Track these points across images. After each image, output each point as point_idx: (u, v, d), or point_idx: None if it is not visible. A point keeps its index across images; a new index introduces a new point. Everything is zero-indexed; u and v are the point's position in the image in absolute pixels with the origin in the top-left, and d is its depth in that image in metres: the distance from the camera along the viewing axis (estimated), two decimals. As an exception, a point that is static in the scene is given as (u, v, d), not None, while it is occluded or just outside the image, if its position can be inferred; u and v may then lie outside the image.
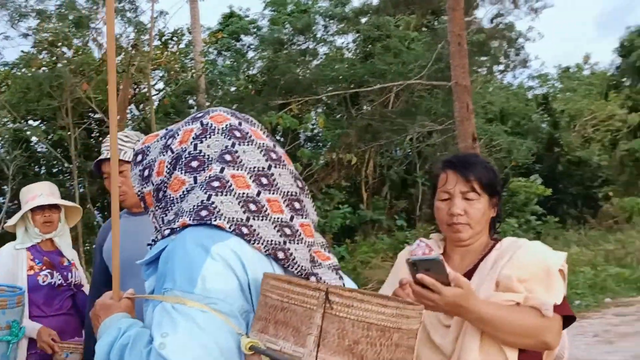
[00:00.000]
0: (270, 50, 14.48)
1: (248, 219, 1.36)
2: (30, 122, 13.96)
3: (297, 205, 1.45)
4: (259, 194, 1.40)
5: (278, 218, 1.40)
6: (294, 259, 1.38)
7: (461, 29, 10.88)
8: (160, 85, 15.13)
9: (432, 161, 16.36)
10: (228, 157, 1.42)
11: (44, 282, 3.37)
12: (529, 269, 1.69)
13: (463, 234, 1.78)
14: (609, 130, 20.36)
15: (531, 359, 1.72)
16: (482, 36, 14.07)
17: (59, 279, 3.42)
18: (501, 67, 17.48)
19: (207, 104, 14.28)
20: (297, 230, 1.42)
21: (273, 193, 1.42)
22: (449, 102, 12.21)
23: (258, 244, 1.35)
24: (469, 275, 1.75)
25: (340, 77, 15.08)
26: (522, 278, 1.68)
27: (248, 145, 1.44)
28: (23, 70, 13.58)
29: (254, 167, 1.42)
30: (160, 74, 15.11)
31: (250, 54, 15.81)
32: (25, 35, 13.06)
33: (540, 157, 18.87)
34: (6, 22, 12.65)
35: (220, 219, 1.34)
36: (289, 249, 1.38)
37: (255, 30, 15.92)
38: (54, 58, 13.39)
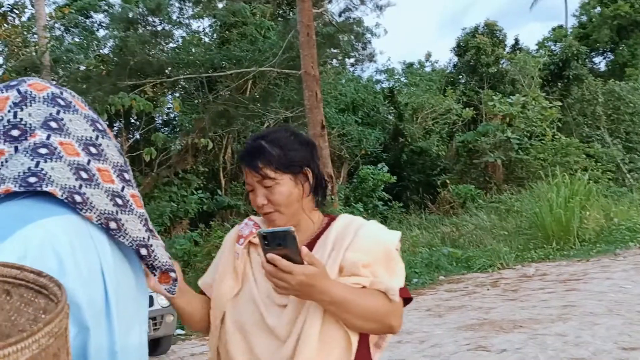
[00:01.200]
0: (121, 30, 13.97)
1: (81, 186, 1.29)
2: None
3: (126, 175, 1.39)
4: (89, 162, 1.33)
5: (110, 187, 1.34)
6: (125, 230, 1.32)
7: (310, 20, 11.25)
8: (0, 60, 14.04)
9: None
10: (54, 125, 1.32)
11: None
12: (372, 253, 1.69)
13: (277, 221, 1.69)
14: (446, 123, 22.04)
15: (364, 343, 1.72)
16: (332, 29, 14.65)
17: None
18: (352, 61, 18.30)
19: (53, 81, 13.50)
20: (129, 201, 1.36)
21: (103, 163, 1.36)
22: (300, 90, 12.58)
23: (90, 212, 1.28)
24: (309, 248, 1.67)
25: (197, 62, 14.95)
26: (366, 263, 1.67)
27: (73, 114, 1.35)
28: None
29: (82, 136, 1.35)
30: (0, 48, 14.01)
31: (102, 33, 15.15)
32: None
33: (387, 147, 20.03)
34: None
35: (51, 185, 1.26)
36: (120, 219, 1.31)
37: (106, 7, 15.26)
38: None
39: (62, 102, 1.33)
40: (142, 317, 1.36)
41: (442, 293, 9.81)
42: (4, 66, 13.69)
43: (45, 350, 0.86)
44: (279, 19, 16.86)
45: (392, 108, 20.91)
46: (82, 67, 14.18)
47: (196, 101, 15.33)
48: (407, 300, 1.71)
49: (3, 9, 13.64)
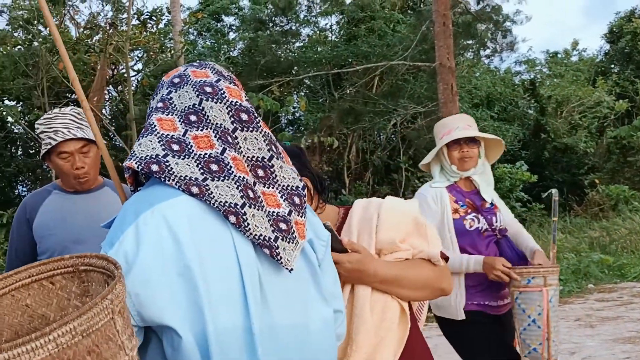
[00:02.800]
0: (251, 31, 14.18)
1: (205, 179, 1.36)
2: (6, 101, 13.59)
3: (260, 172, 1.44)
4: (223, 151, 1.39)
5: (243, 178, 1.38)
6: (247, 225, 1.34)
7: (446, 9, 10.71)
8: (139, 66, 14.80)
9: (416, 146, 16.19)
10: (193, 118, 1.42)
11: (470, 227, 3.05)
12: (402, 227, 1.73)
13: None
14: (596, 117, 20.21)
15: (412, 318, 1.78)
16: (469, 17, 13.83)
17: (484, 224, 3.08)
18: (488, 52, 17.25)
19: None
20: (259, 197, 1.39)
21: (238, 154, 1.41)
22: (432, 85, 12.02)
23: (209, 204, 1.34)
24: None
25: (323, 60, 14.82)
26: (401, 238, 1.72)
27: (217, 103, 1.42)
28: (-2, 48, 13.22)
29: (219, 125, 1.41)
30: (139, 55, 14.77)
31: (232, 35, 15.50)
32: (0, 12, 12.72)
33: (526, 144, 18.71)
34: (-21, -1, 12.33)
35: (169, 179, 1.35)
36: (245, 214, 1.35)
37: (236, 10, 15.58)
38: (30, 36, 13.03)
39: (209, 90, 1.44)
40: (308, 295, 1.42)
41: (593, 302, 9.04)
42: (143, 71, 14.40)
43: (71, 348, 0.91)
44: (409, 11, 16.28)
45: (533, 101, 19.47)
46: (214, 69, 14.57)
47: (321, 100, 15.21)
48: (445, 259, 1.79)
49: (143, 16, 14.33)
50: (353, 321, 1.66)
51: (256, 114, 1.45)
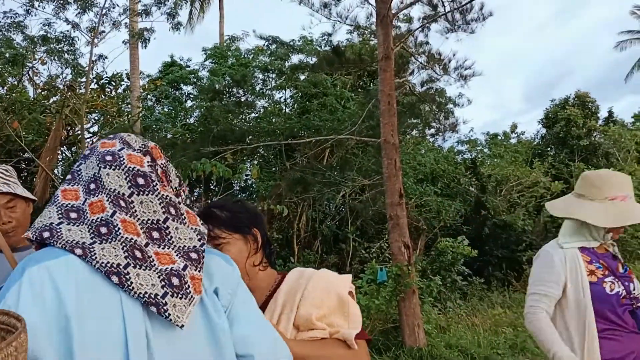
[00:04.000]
0: (208, 100, 14.63)
1: (93, 242, 1.39)
2: (-44, 157, 13.52)
3: (155, 234, 1.46)
4: (113, 214, 1.43)
5: (131, 239, 1.41)
6: (130, 284, 1.36)
7: (391, 89, 11.28)
8: (95, 128, 15.00)
9: (363, 217, 16.61)
10: (92, 186, 1.48)
11: (611, 290, 2.76)
12: (325, 304, 1.74)
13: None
14: (533, 196, 21.18)
15: None
16: (413, 99, 14.66)
17: (623, 289, 2.78)
18: (432, 131, 18.18)
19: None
20: (150, 257, 1.41)
21: (130, 217, 1.44)
22: (379, 160, 12.51)
23: (92, 265, 1.36)
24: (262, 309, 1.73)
25: (277, 131, 15.32)
26: (320, 315, 1.72)
27: (114, 170, 1.48)
28: (-49, 104, 13.23)
29: (114, 190, 1.46)
30: (96, 117, 14.98)
31: (189, 103, 15.91)
32: (-44, 69, 12.82)
33: (467, 219, 19.42)
34: (-63, 55, 12.43)
35: (57, 243, 1.38)
36: (127, 273, 1.37)
37: (194, 80, 16.09)
38: (-15, 94, 13.17)
39: (109, 158, 1.50)
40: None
41: None
42: (99, 133, 14.59)
43: None
44: (359, 89, 17.12)
45: (474, 179, 20.41)
46: (169, 135, 14.87)
47: (274, 169, 15.60)
48: (368, 342, 1.76)
49: (102, 81, 14.65)
50: None
51: (154, 178, 1.50)
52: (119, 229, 1.41)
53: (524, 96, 72.46)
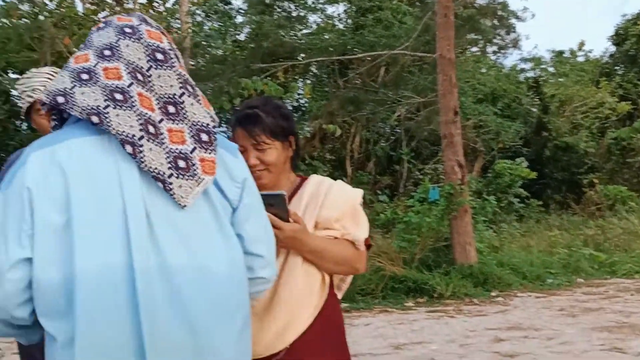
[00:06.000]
0: (257, 14, 14.20)
1: (107, 106, 1.38)
2: (10, 74, 13.62)
3: (171, 108, 1.46)
4: (130, 85, 1.42)
5: (145, 113, 1.41)
6: (143, 157, 1.37)
7: (449, 1, 10.68)
8: (145, 44, 14.79)
9: (418, 138, 16.22)
10: (107, 52, 1.46)
11: None
12: (341, 209, 2.01)
13: (263, 180, 1.95)
14: (598, 118, 20.23)
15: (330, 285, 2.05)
16: (473, 12, 13.84)
17: None
18: (494, 48, 17.27)
19: (192, 65, 14.01)
20: (162, 134, 1.42)
21: (147, 91, 1.44)
22: (435, 77, 12.03)
23: (108, 131, 1.37)
24: None
25: (330, 48, 14.83)
26: (337, 218, 1.99)
27: (134, 42, 1.47)
28: (3, 20, 13.20)
29: (132, 62, 1.45)
30: (145, 33, 14.77)
31: (239, 19, 15.51)
32: (6, -16, 12.70)
33: (528, 141, 18.74)
34: (-14, -30, 12.34)
35: (73, 110, 1.39)
36: (141, 145, 1.38)
37: (245, -7, 15.59)
38: (36, 9, 13.03)
39: (128, 30, 1.48)
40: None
41: (579, 295, 9.10)
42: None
43: None
44: (417, 3, 16.29)
45: (536, 99, 19.49)
46: (220, 52, 14.59)
47: (326, 88, 15.23)
48: (368, 247, 2.06)
49: (150, -5, 14.38)
50: (281, 282, 1.89)
51: (172, 55, 1.50)
52: (135, 100, 1.41)
53: (594, 10, 68.21)
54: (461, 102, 12.76)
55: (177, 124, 1.44)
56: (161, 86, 1.46)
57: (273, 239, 1.60)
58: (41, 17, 12.74)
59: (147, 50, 1.47)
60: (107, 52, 1.45)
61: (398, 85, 14.42)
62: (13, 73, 13.68)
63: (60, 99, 1.39)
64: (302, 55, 14.90)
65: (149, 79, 1.45)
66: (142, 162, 1.36)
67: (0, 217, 1.34)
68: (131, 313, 1.30)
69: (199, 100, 1.49)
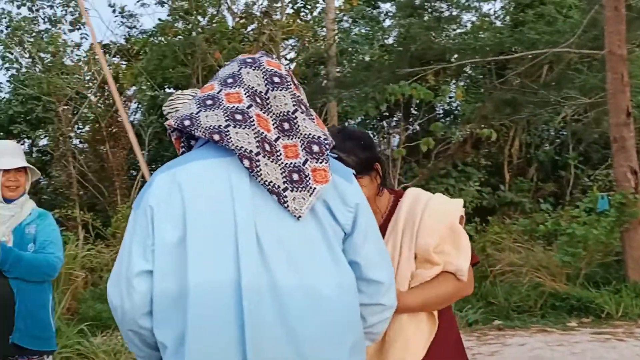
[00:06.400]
0: (405, 16, 13.61)
1: (227, 126, 1.49)
2: (166, 89, 14.32)
3: (286, 125, 1.55)
4: (249, 107, 1.54)
5: (262, 132, 1.50)
6: (259, 171, 1.45)
7: (619, -8, 9.59)
8: (292, 54, 14.87)
9: (586, 141, 14.63)
10: (230, 80, 1.60)
11: None
12: (439, 233, 1.88)
13: None
14: None
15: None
16: (646, 2, 12.12)
17: None
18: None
19: (338, 72, 13.74)
20: (279, 152, 1.50)
21: (265, 113, 1.55)
22: (604, 75, 10.76)
23: (228, 148, 1.48)
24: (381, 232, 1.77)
25: (486, 47, 13.79)
26: (435, 245, 1.87)
27: (254, 70, 1.60)
28: (160, 38, 13.92)
29: (251, 87, 1.57)
30: (292, 43, 14.84)
31: (387, 23, 15.00)
32: (162, 3, 13.36)
33: None
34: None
35: (197, 131, 1.51)
36: (258, 161, 1.46)
37: (393, -5, 15.04)
38: (189, 26, 13.58)
39: (249, 60, 1.63)
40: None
41: None
42: (295, 60, 14.42)
43: None
44: (585, -6, 14.64)
45: None
46: (367, 58, 14.18)
47: (482, 89, 14.22)
48: (475, 264, 1.98)
49: (297, 5, 14.36)
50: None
51: (289, 79, 1.61)
52: (253, 120, 1.52)
53: None
54: (637, 102, 11.61)
55: (291, 139, 1.54)
56: (277, 105, 1.58)
57: (391, 265, 1.62)
58: (194, 34, 13.23)
59: (265, 75, 1.60)
60: (229, 80, 1.61)
61: (561, 85, 13.09)
62: (168, 88, 14.37)
63: (187, 122, 1.53)
64: (455, 56, 14.01)
65: (267, 101, 1.57)
66: (259, 175, 1.46)
67: (130, 232, 1.49)
68: (239, 330, 1.37)
69: (313, 119, 1.59)
